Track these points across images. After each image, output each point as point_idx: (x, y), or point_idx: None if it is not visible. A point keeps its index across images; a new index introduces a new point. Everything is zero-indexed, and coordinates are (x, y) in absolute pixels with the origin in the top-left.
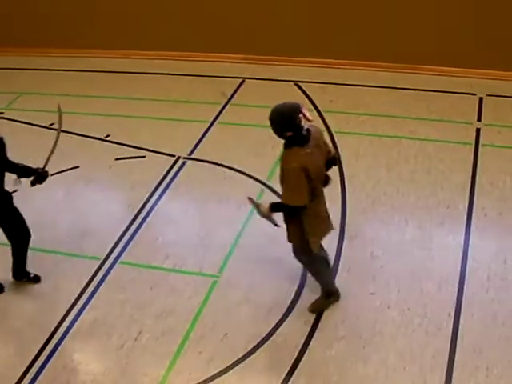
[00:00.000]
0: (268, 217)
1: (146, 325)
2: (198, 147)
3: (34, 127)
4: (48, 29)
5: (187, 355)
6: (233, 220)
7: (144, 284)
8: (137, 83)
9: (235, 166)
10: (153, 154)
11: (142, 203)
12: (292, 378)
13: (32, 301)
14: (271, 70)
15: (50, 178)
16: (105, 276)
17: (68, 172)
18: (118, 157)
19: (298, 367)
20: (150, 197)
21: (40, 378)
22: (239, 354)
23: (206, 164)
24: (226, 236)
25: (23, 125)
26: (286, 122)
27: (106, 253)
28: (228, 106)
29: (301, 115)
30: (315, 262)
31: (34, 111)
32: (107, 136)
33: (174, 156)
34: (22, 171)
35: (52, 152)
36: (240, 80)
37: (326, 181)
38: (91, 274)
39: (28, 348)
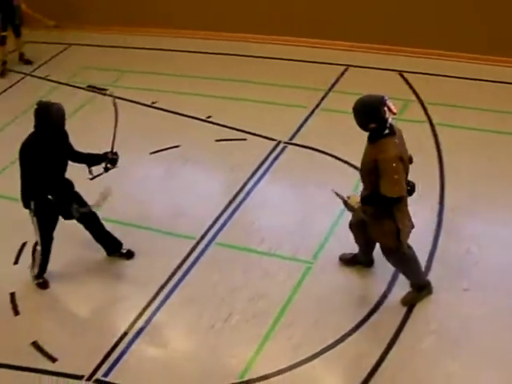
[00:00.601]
0: (356, 210)
1: (237, 307)
2: (299, 133)
3: (137, 105)
4: (155, 9)
5: (276, 340)
6: (330, 207)
7: (238, 266)
8: (242, 66)
9: (335, 154)
10: (254, 137)
11: (241, 185)
12: (379, 370)
13: (126, 277)
14: (376, 58)
15: (150, 156)
16: (199, 256)
17: (168, 151)
18: (219, 138)
19: (386, 359)
20: (249, 180)
21: (129, 350)
22: (328, 342)
23: (307, 150)
24: (322, 223)
25: (126, 102)
26: (370, 113)
27: (202, 233)
28: (331, 93)
29: (385, 107)
30: (405, 260)
31: (136, 89)
32: (209, 117)
33: (274, 140)
34: (91, 160)
35: (114, 136)
36: (344, 67)
37: (412, 187)
38: (186, 254)
39: (119, 321)
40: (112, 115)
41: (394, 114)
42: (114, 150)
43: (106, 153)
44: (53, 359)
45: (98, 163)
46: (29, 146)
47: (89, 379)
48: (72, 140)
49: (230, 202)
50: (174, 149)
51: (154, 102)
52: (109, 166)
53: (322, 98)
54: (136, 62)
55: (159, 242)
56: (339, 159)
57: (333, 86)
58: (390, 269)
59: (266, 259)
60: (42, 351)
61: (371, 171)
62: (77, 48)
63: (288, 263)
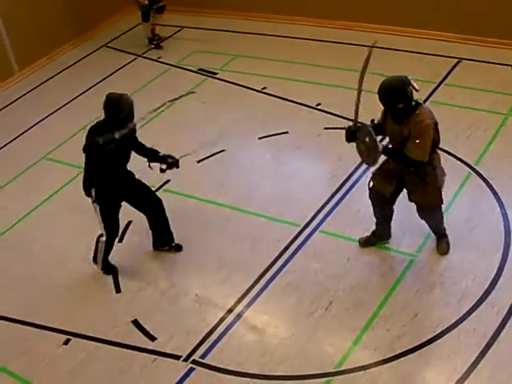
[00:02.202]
0: (375, 153)
1: (338, 295)
2: None
3: (247, 90)
4: None
5: (375, 331)
6: None
7: (341, 255)
8: (353, 55)
9: (444, 147)
10: None
11: (347, 175)
12: (477, 368)
13: (228, 260)
14: (490, 52)
15: (259, 141)
16: (303, 243)
17: (277, 137)
18: (327, 126)
19: (485, 357)
20: (356, 169)
21: (228, 333)
22: (427, 337)
23: None
24: None
25: (236, 86)
26: (398, 94)
27: (307, 221)
28: (442, 86)
29: (410, 86)
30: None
31: (247, 74)
32: (318, 104)
33: None
34: (151, 156)
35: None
36: (456, 60)
37: None
38: (289, 240)
39: (219, 304)
40: (219, 98)
41: (417, 90)
42: (178, 158)
43: (166, 156)
44: (152, 338)
45: (158, 161)
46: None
47: (186, 360)
48: (180, 121)
49: (336, 191)
50: (283, 135)
51: (264, 88)
52: (166, 169)
53: (433, 91)
54: (248, 46)
55: (264, 227)
56: (448, 153)
57: (444, 78)
58: (495, 265)
59: (370, 249)
60: (142, 329)
61: (406, 138)
62: (189, 31)
63: (391, 254)
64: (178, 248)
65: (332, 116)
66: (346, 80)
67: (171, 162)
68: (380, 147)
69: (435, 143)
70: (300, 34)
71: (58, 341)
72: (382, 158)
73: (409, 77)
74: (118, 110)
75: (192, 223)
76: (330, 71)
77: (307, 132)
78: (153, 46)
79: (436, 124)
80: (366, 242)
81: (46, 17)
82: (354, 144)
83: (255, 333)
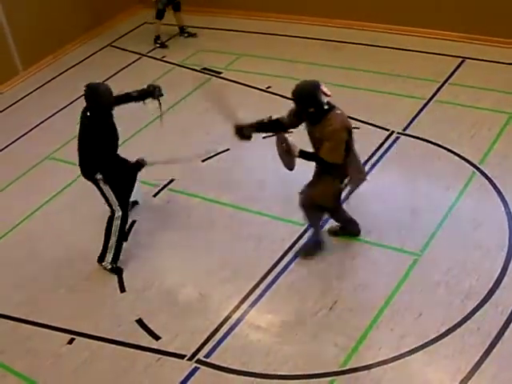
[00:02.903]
0: (292, 157)
1: (342, 295)
2: (413, 123)
3: (251, 89)
4: None
5: (379, 330)
6: (440, 200)
7: (345, 254)
8: (352, 54)
9: (448, 146)
10: (367, 126)
11: None
12: (481, 367)
13: (233, 260)
14: (494, 51)
15: (263, 141)
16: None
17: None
18: None
19: (489, 357)
20: None
21: (232, 333)
22: (431, 336)
23: (420, 141)
24: (431, 216)
25: (240, 86)
26: (308, 98)
27: None
28: (446, 85)
29: (320, 91)
30: (318, 214)
31: (251, 73)
32: None
33: (387, 130)
34: (138, 97)
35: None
36: (460, 59)
37: None
38: (294, 239)
39: (224, 303)
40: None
41: (328, 95)
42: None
43: (149, 86)
44: (156, 337)
45: (147, 97)
46: (84, 128)
47: (190, 359)
48: (184, 120)
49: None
50: (287, 134)
51: (268, 87)
52: (157, 96)
53: (437, 90)
54: (252, 46)
55: (268, 226)
56: (453, 152)
57: (449, 77)
58: (499, 265)
59: (375, 248)
60: (146, 329)
61: (318, 141)
62: (194, 30)
63: (396, 254)
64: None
65: None
66: (350, 79)
67: (156, 92)
68: (296, 151)
69: (347, 148)
70: (305, 33)
71: (62, 340)
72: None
73: (320, 82)
74: (98, 98)
75: (196, 222)
76: (335, 71)
77: None
78: (158, 45)
79: (348, 129)
80: (334, 233)
81: (51, 16)
82: (357, 144)
83: (259, 332)
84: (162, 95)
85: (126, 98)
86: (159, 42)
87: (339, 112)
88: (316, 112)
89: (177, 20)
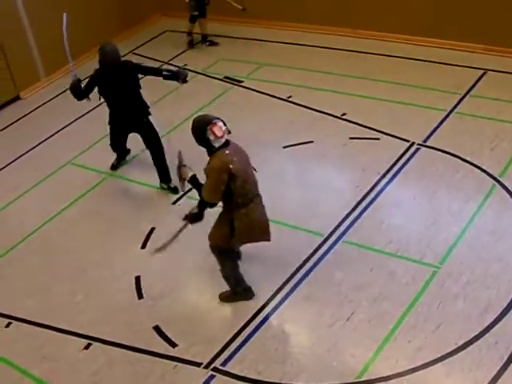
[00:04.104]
0: (182, 181)
1: (360, 306)
2: (434, 135)
3: (272, 98)
4: (296, 5)
5: (396, 342)
6: (460, 212)
7: (364, 265)
8: (378, 65)
9: (468, 158)
10: (387, 136)
11: (372, 185)
12: (498, 381)
13: (251, 269)
14: None
15: (284, 150)
16: (326, 253)
17: (302, 146)
18: (352, 136)
19: (507, 371)
20: (380, 180)
21: (249, 342)
22: (448, 349)
23: (440, 153)
24: (451, 228)
25: (261, 95)
26: (196, 134)
27: (330, 230)
28: (467, 97)
29: (210, 131)
30: (227, 260)
31: (273, 82)
32: (343, 114)
33: (408, 141)
34: (166, 76)
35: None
36: (482, 71)
37: None
38: (313, 249)
39: (241, 312)
40: (244, 108)
41: (218, 137)
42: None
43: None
44: (173, 344)
45: (171, 79)
46: (93, 77)
47: (206, 367)
48: None
49: (360, 201)
50: (308, 144)
51: (289, 96)
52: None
53: (458, 102)
54: (274, 55)
55: (287, 236)
56: (473, 164)
57: (470, 89)
58: None
59: (394, 260)
60: (163, 336)
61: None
62: (216, 39)
63: (414, 266)
64: (175, 190)
65: (357, 126)
66: (371, 90)
67: (181, 74)
68: (187, 176)
69: (231, 192)
70: (326, 43)
71: (79, 345)
72: None
73: (214, 120)
74: (102, 56)
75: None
76: (356, 81)
77: (332, 142)
78: (208, 43)
79: (229, 171)
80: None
81: (73, 23)
82: (377, 154)
83: (276, 341)
84: (186, 82)
85: (154, 72)
86: (208, 40)
87: (227, 152)
88: (206, 148)
89: (200, 27)
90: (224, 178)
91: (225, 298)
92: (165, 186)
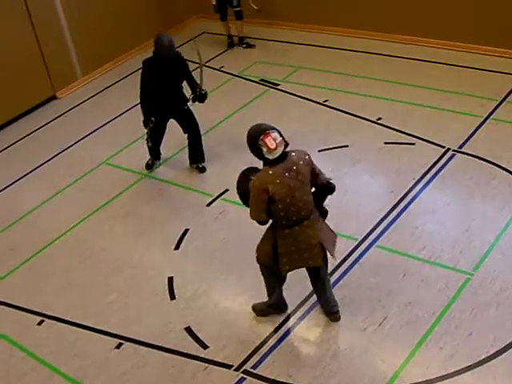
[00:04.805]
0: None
1: (392, 312)
2: (469, 141)
3: (308, 102)
4: (330, 7)
5: (428, 348)
6: (495, 219)
7: (397, 271)
8: (409, 69)
9: (504, 165)
10: (422, 142)
11: (406, 191)
12: None
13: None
14: None
15: (319, 154)
16: (359, 257)
17: (337, 150)
18: (388, 141)
19: None
20: (415, 185)
21: (281, 344)
22: (481, 357)
23: (475, 159)
24: (486, 235)
25: (297, 98)
26: (249, 145)
27: (364, 235)
28: (504, 103)
29: (262, 142)
30: (269, 274)
31: (309, 86)
32: (379, 119)
33: (443, 147)
34: (192, 87)
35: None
36: None
37: (324, 213)
38: (346, 253)
39: (273, 315)
40: (280, 110)
41: (270, 149)
42: (204, 89)
43: (197, 89)
44: (204, 346)
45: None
46: (145, 64)
47: (237, 369)
48: (239, 132)
49: (394, 207)
50: (343, 148)
51: (325, 100)
52: (195, 99)
53: (495, 108)
54: (310, 59)
55: None
56: (508, 171)
57: (507, 96)
58: None
59: (427, 266)
60: (195, 337)
61: None
62: (252, 41)
63: (448, 272)
64: (203, 170)
65: (392, 130)
66: (407, 95)
67: (201, 94)
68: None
69: (276, 213)
70: (363, 47)
71: (110, 344)
72: None
73: (268, 131)
74: (157, 45)
75: (248, 233)
76: (392, 85)
77: (367, 146)
78: (244, 46)
79: (267, 190)
80: (261, 312)
81: (111, 23)
82: (412, 159)
83: (307, 345)
84: (195, 102)
85: (189, 81)
86: (244, 42)
87: (271, 172)
88: (262, 160)
89: (237, 29)
90: (263, 197)
91: (259, 310)
92: (194, 166)
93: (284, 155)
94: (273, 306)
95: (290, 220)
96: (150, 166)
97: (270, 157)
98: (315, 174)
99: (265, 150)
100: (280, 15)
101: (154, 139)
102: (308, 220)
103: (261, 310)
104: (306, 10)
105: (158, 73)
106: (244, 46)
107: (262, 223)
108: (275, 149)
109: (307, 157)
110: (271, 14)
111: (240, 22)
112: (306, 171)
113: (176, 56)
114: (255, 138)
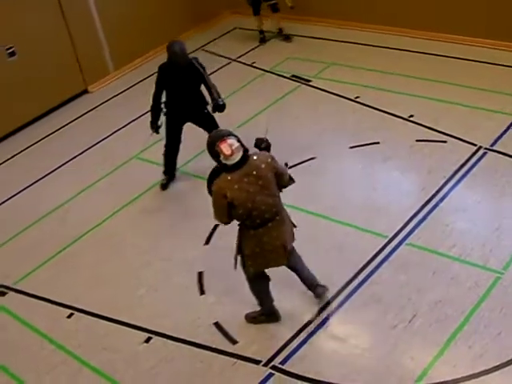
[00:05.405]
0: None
1: (422, 309)
2: (501, 140)
3: (340, 98)
4: (364, 4)
5: (456, 347)
6: None
7: (427, 269)
8: (443, 66)
9: None
10: (454, 140)
11: (437, 188)
12: None
13: (312, 269)
14: None
15: (350, 150)
16: (389, 255)
17: (368, 146)
18: (419, 138)
19: None
20: (446, 183)
21: (309, 341)
22: (509, 356)
23: (507, 157)
24: None
25: (328, 94)
26: (208, 151)
27: (394, 232)
28: None
29: (217, 148)
30: (254, 281)
31: (341, 82)
32: (411, 116)
33: (475, 145)
34: (212, 94)
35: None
36: None
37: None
38: (376, 251)
39: (300, 310)
40: (311, 106)
41: (226, 156)
42: (221, 103)
43: (217, 100)
44: (233, 341)
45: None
46: (160, 69)
47: (265, 365)
48: (273, 125)
49: (425, 204)
50: (374, 145)
51: (357, 97)
52: (214, 110)
53: None
54: (342, 55)
55: (350, 236)
56: None
57: None
58: None
59: (457, 264)
60: (223, 332)
61: None
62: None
63: (477, 271)
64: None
65: (423, 128)
66: (440, 92)
67: (216, 105)
68: None
69: (238, 216)
70: (398, 44)
71: (139, 338)
72: None
73: (224, 137)
74: (169, 52)
75: None
76: (424, 83)
77: (399, 143)
78: (283, 38)
79: (225, 196)
80: (252, 320)
81: (144, 17)
82: (444, 157)
83: (336, 342)
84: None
85: (207, 87)
86: (283, 34)
87: (229, 178)
88: (221, 165)
89: (274, 22)
90: (222, 202)
91: (252, 319)
92: None
93: (244, 160)
94: (265, 315)
95: (254, 222)
96: (165, 186)
97: (228, 163)
98: (279, 175)
99: (221, 156)
100: (313, 11)
101: (171, 146)
102: (273, 222)
103: (253, 318)
104: (340, 7)
105: (173, 78)
106: (283, 37)
107: (227, 224)
108: (231, 155)
109: (269, 160)
110: (305, 9)
111: (276, 14)
112: (269, 174)
113: (189, 63)
114: (212, 144)
